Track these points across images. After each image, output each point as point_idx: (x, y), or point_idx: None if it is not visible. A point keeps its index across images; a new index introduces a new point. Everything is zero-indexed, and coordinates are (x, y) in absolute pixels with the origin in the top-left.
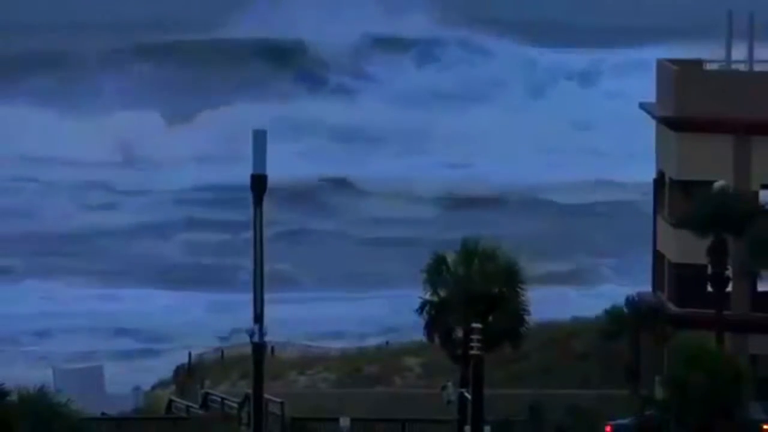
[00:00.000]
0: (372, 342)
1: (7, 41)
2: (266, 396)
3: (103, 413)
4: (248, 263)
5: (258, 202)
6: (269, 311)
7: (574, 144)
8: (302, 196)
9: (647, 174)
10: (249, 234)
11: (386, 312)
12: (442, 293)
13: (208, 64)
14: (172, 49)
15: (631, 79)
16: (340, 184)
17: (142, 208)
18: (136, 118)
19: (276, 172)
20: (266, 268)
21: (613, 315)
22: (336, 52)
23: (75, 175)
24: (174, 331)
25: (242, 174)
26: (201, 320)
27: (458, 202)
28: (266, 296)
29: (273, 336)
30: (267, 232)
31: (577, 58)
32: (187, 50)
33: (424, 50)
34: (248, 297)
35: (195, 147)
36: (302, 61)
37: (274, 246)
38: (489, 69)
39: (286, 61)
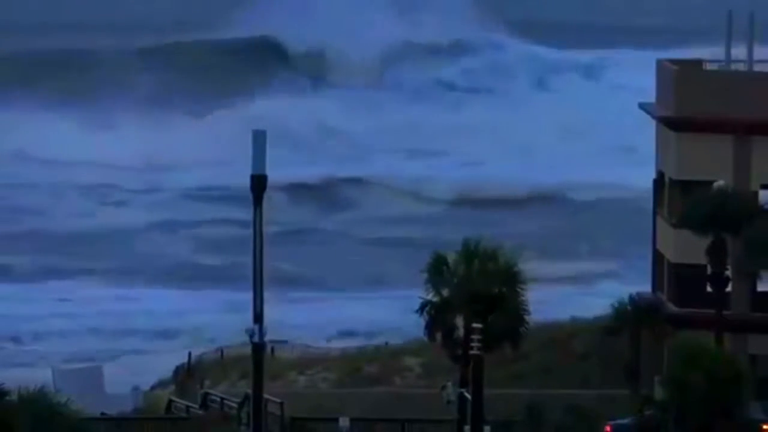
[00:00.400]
0: (377, 342)
1: (9, 42)
2: (266, 396)
3: (102, 413)
4: (267, 262)
5: (258, 202)
6: (283, 310)
7: (576, 140)
8: (312, 195)
9: (649, 172)
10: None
11: (394, 312)
12: (444, 293)
13: (216, 64)
14: (178, 50)
15: (637, 74)
16: (353, 183)
17: (153, 208)
18: (146, 119)
19: (285, 172)
20: (278, 267)
21: (618, 311)
22: (348, 52)
23: (84, 176)
24: (182, 330)
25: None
26: (215, 319)
27: (464, 202)
28: (284, 295)
29: (287, 336)
30: (277, 231)
31: (587, 57)
32: (193, 51)
33: (438, 51)
34: (267, 295)
35: (207, 146)
36: (316, 61)
37: (282, 245)
38: (501, 68)
39: (294, 60)
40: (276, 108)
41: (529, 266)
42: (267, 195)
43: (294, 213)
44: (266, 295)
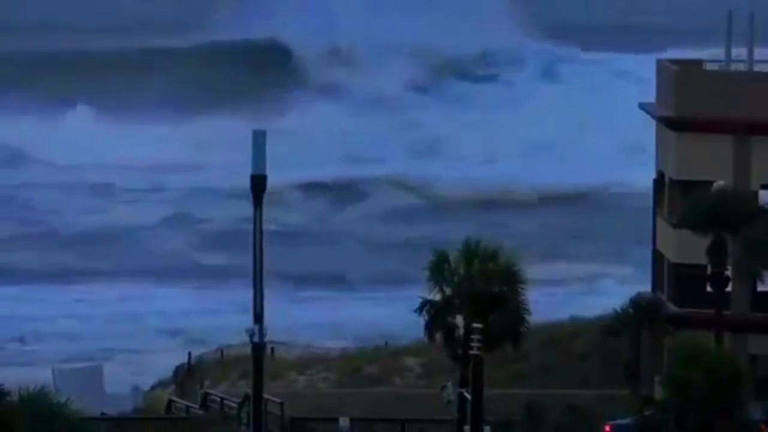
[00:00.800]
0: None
1: (9, 43)
2: (266, 396)
3: (102, 413)
4: (278, 262)
5: (258, 202)
6: (289, 310)
7: (578, 138)
8: (320, 195)
9: (650, 170)
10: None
11: (398, 312)
12: (446, 291)
13: (220, 66)
14: (184, 52)
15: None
16: (363, 183)
17: (160, 207)
18: (150, 119)
19: (288, 172)
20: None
21: (619, 314)
22: (366, 51)
23: (89, 176)
24: (189, 330)
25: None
26: (222, 320)
27: (472, 202)
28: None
29: (292, 336)
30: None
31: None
32: (198, 52)
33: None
34: (271, 295)
35: (214, 147)
36: (321, 63)
37: (290, 245)
38: (508, 62)
39: (300, 62)
40: (286, 110)
41: (530, 267)
42: (280, 194)
43: (302, 214)
44: (274, 294)
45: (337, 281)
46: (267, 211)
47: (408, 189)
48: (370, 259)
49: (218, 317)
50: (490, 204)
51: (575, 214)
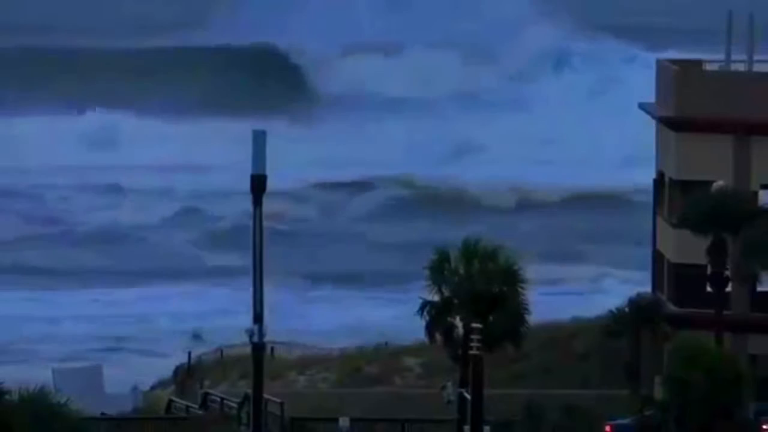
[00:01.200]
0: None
1: (9, 43)
2: (266, 396)
3: (102, 413)
4: (285, 261)
5: (258, 202)
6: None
7: (578, 136)
8: (326, 196)
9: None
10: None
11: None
12: (446, 292)
13: (220, 69)
14: (185, 53)
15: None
16: (370, 184)
17: (164, 208)
18: (161, 120)
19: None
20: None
21: (617, 316)
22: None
23: (96, 178)
24: (198, 330)
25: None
26: (235, 320)
27: (479, 203)
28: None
29: (294, 335)
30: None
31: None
32: (199, 54)
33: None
34: (280, 297)
35: (219, 148)
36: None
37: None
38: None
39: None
40: (293, 112)
41: (532, 267)
42: (282, 194)
43: (309, 212)
44: (282, 293)
45: (348, 280)
46: (273, 209)
47: (419, 188)
48: (378, 258)
49: (227, 317)
50: (507, 205)
51: (596, 215)
